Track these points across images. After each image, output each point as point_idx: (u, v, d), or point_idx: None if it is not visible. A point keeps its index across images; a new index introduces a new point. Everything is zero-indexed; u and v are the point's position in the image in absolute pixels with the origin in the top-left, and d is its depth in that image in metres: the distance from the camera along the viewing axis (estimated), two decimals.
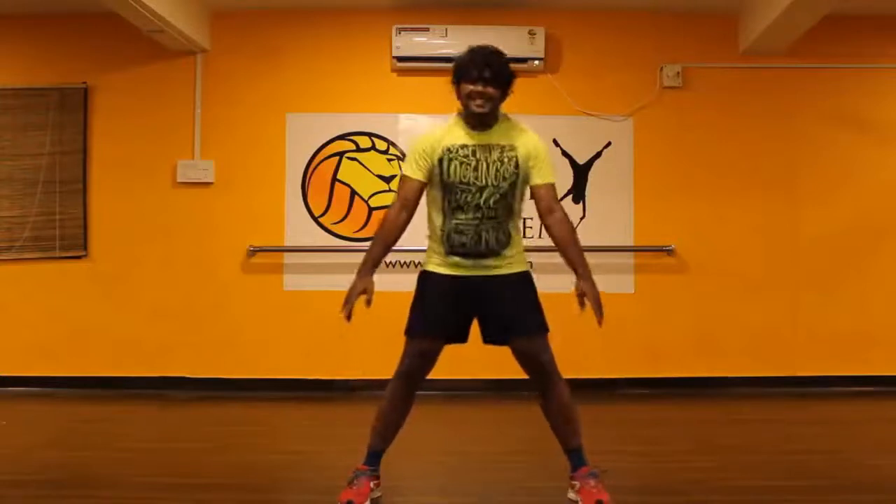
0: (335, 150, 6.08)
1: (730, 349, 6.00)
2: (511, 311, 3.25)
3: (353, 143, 6.07)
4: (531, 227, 5.95)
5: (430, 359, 3.29)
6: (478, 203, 3.18)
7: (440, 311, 3.26)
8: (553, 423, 3.32)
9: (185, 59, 6.04)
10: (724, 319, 6.01)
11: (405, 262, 5.83)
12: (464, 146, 3.19)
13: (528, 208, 6.58)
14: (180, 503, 3.35)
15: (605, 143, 6.05)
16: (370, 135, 6.07)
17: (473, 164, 3.18)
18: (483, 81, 3.13)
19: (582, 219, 6.03)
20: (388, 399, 3.32)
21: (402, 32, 5.91)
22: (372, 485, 3.28)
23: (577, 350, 5.83)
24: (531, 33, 5.85)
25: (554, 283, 6.16)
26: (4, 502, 3.28)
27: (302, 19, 6.05)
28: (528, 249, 3.27)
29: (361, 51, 6.07)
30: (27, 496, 3.37)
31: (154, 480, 3.63)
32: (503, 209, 3.22)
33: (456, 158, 3.18)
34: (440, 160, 3.19)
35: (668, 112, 6.06)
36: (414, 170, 3.24)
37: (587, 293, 3.19)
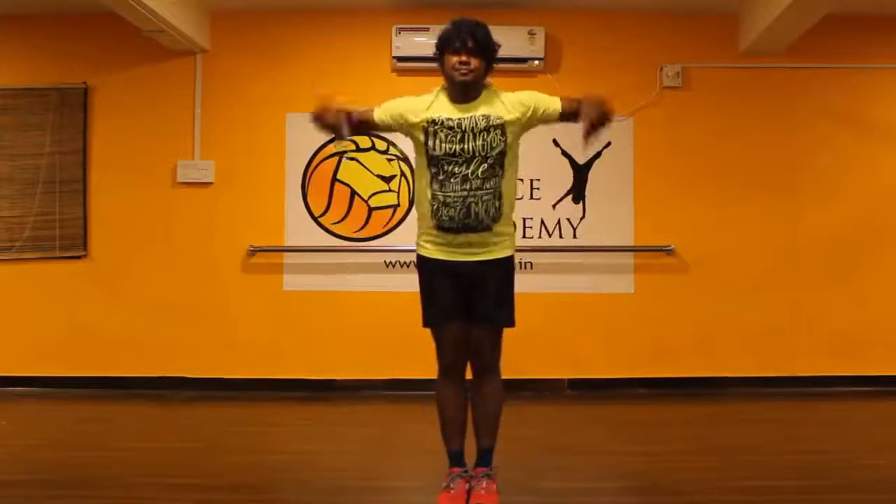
0: (335, 150, 6.08)
1: (730, 349, 5.99)
2: (487, 301, 3.23)
3: (352, 143, 6.07)
4: (531, 227, 5.95)
5: (462, 343, 3.25)
6: (465, 174, 3.14)
7: (449, 295, 3.23)
8: (475, 413, 3.33)
9: (185, 59, 6.04)
10: (725, 319, 6.01)
11: (405, 263, 5.82)
12: (448, 119, 3.16)
13: (530, 206, 6.52)
14: (180, 503, 3.35)
15: (605, 143, 6.04)
16: (370, 135, 6.07)
17: (459, 136, 3.14)
18: (467, 52, 3.11)
19: (582, 219, 6.03)
20: (438, 401, 3.32)
21: (402, 32, 5.91)
22: (467, 486, 3.28)
23: (577, 350, 5.85)
24: (531, 33, 5.84)
25: (554, 284, 6.21)
26: (4, 502, 3.28)
27: (302, 19, 6.05)
28: (528, 249, 3.24)
29: (361, 51, 6.06)
30: (27, 496, 3.37)
31: (154, 480, 3.64)
32: (493, 182, 3.16)
33: (441, 131, 3.15)
34: (424, 131, 3.17)
35: (668, 112, 6.06)
36: (381, 113, 3.25)
37: (589, 114, 3.08)
